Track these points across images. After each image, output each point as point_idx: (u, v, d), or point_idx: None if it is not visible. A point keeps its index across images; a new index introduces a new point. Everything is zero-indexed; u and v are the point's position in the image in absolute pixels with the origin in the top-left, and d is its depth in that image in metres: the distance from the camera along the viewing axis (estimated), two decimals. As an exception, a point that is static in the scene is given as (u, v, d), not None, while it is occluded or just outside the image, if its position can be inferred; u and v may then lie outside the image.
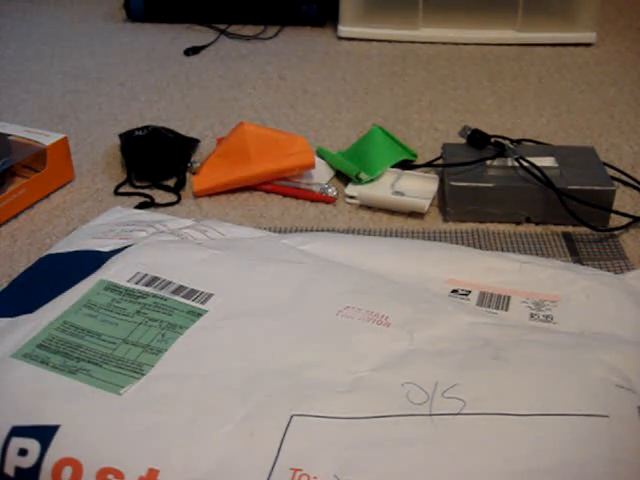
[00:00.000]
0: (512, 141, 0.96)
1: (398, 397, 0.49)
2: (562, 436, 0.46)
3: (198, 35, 1.43)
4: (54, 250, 0.71)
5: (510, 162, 0.85)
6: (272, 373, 0.51)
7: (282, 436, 0.46)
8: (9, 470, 0.46)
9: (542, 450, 0.45)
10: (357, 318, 0.56)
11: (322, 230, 0.82)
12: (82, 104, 1.16)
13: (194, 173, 0.93)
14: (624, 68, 1.27)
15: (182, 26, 1.48)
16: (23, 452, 0.47)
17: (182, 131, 1.04)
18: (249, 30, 1.45)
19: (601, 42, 1.37)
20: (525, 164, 0.82)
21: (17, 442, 0.47)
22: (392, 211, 0.85)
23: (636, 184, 0.90)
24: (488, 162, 0.85)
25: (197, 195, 0.90)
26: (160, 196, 0.90)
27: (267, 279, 0.61)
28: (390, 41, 1.38)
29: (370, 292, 0.60)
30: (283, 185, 0.90)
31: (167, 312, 0.57)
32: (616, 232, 0.81)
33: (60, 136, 0.91)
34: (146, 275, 0.61)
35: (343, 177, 0.92)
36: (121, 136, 0.99)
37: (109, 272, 0.62)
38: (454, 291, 0.63)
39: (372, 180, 0.89)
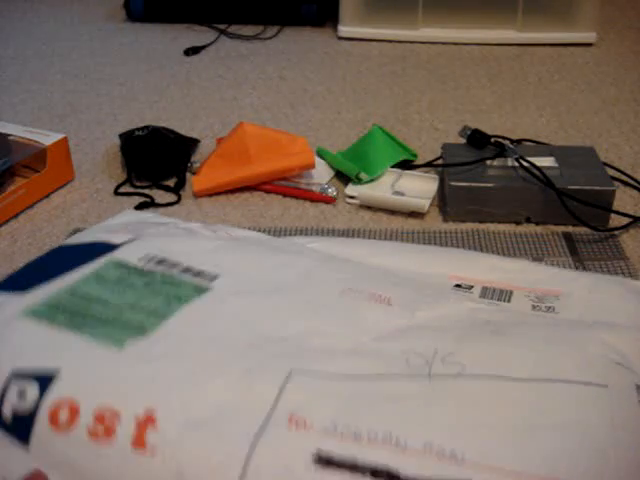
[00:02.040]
0: (512, 141, 0.96)
1: (398, 361, 0.50)
2: (562, 400, 0.47)
3: (198, 35, 1.43)
4: (67, 242, 0.72)
5: (510, 162, 0.85)
6: (274, 339, 0.52)
7: (281, 386, 0.47)
8: (7, 413, 0.47)
9: (542, 411, 0.46)
10: (360, 299, 0.58)
11: (322, 230, 0.82)
12: (82, 104, 1.16)
13: (194, 173, 0.93)
14: (624, 68, 1.27)
15: (182, 26, 1.48)
16: (22, 394, 0.47)
17: (182, 131, 1.05)
18: (249, 30, 1.45)
19: (601, 42, 1.37)
20: (525, 164, 0.82)
21: (17, 384, 0.48)
22: (392, 211, 0.85)
23: (636, 184, 0.90)
24: (488, 162, 0.85)
25: (197, 195, 0.90)
26: (160, 196, 0.90)
27: (273, 265, 0.62)
28: (390, 41, 1.38)
29: (374, 279, 0.61)
30: (283, 185, 0.90)
31: (174, 286, 0.58)
32: (616, 232, 0.81)
33: (60, 136, 0.91)
34: (156, 256, 0.62)
35: (343, 177, 0.92)
36: (121, 136, 0.99)
37: (119, 253, 0.63)
38: (457, 285, 0.64)
39: (372, 180, 0.89)
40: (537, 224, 0.83)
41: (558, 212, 0.81)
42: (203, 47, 1.38)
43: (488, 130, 1.03)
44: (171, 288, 0.58)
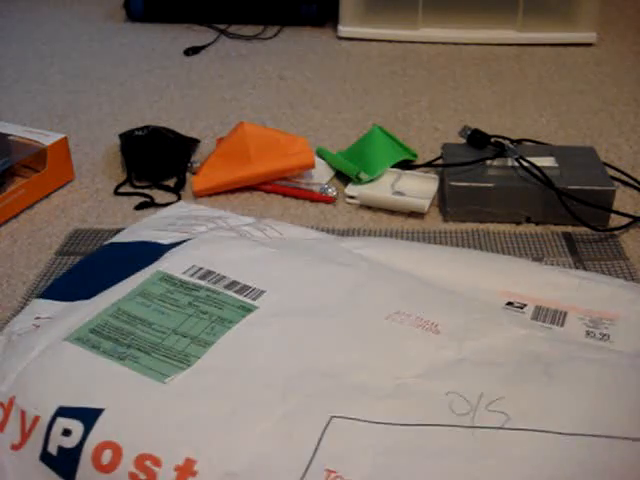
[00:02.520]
0: (512, 141, 0.96)
1: (441, 406, 0.48)
2: (609, 459, 0.44)
3: (198, 35, 1.43)
4: (116, 239, 0.73)
5: (510, 162, 0.85)
6: (316, 373, 0.51)
7: (320, 436, 0.46)
8: (52, 449, 0.48)
9: (587, 472, 0.43)
10: (406, 324, 0.56)
11: (322, 230, 0.82)
12: (82, 104, 1.16)
13: (194, 173, 0.93)
14: (624, 68, 1.27)
15: (182, 26, 1.48)
16: (67, 432, 0.47)
17: (182, 131, 1.04)
18: (249, 30, 1.45)
19: (601, 42, 1.37)
20: (525, 164, 0.82)
21: (62, 422, 0.48)
22: (392, 211, 0.85)
23: (636, 184, 0.90)
24: (488, 162, 0.85)
25: (197, 195, 0.90)
26: (160, 196, 0.90)
27: (320, 279, 0.61)
28: (390, 41, 1.38)
29: (421, 299, 0.59)
30: (283, 185, 0.90)
31: (218, 306, 0.58)
32: (616, 232, 0.81)
33: (60, 136, 0.91)
34: (201, 269, 0.62)
35: (343, 177, 0.92)
36: (121, 136, 0.99)
37: (165, 264, 0.63)
38: (509, 303, 0.61)
39: (372, 180, 0.89)
40: (537, 224, 0.83)
41: (558, 212, 0.81)
42: (203, 47, 1.38)
43: (488, 130, 1.03)
44: (215, 309, 0.57)
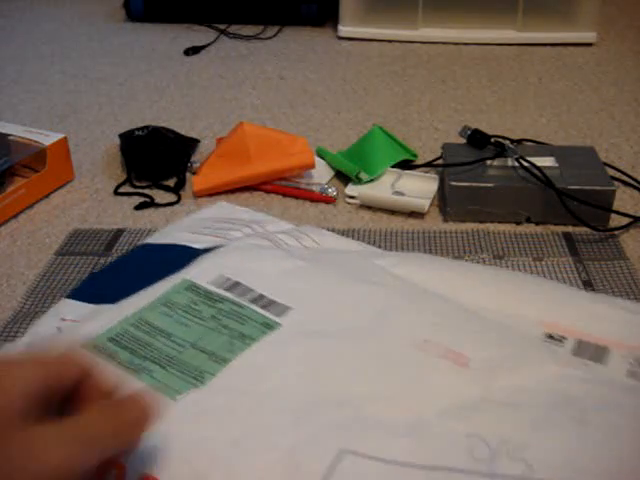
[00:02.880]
0: (512, 141, 0.96)
1: (459, 448, 0.45)
2: None
3: (198, 35, 1.43)
4: (151, 240, 0.73)
5: (510, 162, 0.85)
6: (332, 401, 0.49)
7: (328, 472, 0.44)
8: None
9: None
10: (434, 354, 0.53)
11: (323, 229, 0.82)
12: (82, 104, 1.16)
13: (194, 173, 0.93)
14: (624, 68, 1.27)
15: (182, 26, 1.48)
16: None
17: (182, 131, 1.04)
18: (249, 30, 1.45)
19: (601, 42, 1.37)
20: (525, 164, 0.82)
21: None
22: (392, 211, 0.85)
23: (636, 184, 0.90)
24: (488, 162, 0.85)
25: (197, 195, 0.90)
26: (160, 196, 0.90)
27: (349, 300, 0.59)
28: (390, 41, 1.38)
29: (453, 327, 0.56)
30: (283, 185, 0.90)
31: (241, 321, 0.56)
32: (616, 232, 0.81)
33: (60, 136, 0.91)
34: (229, 279, 0.61)
35: (343, 177, 0.92)
36: (121, 136, 0.99)
37: (193, 271, 0.62)
38: (548, 335, 0.57)
39: (372, 180, 0.89)
40: (537, 224, 0.83)
41: (558, 212, 0.81)
42: (203, 47, 1.38)
43: (488, 130, 1.03)
44: (237, 324, 0.56)
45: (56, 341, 0.55)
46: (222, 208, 0.80)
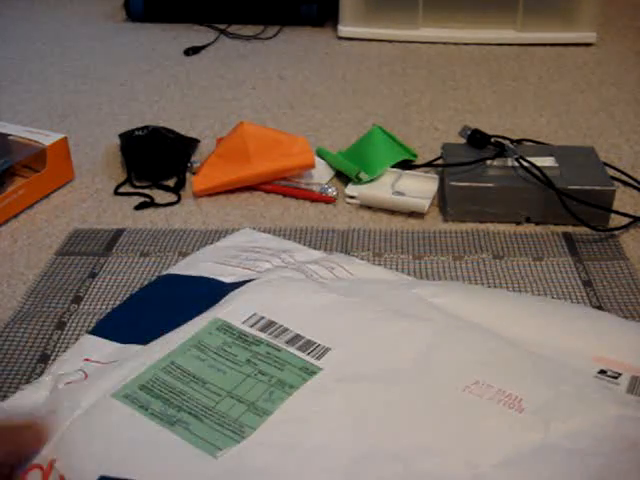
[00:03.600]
0: (512, 141, 0.96)
1: None
2: None
3: (198, 35, 1.43)
4: (175, 270, 0.70)
5: (510, 162, 0.85)
6: (381, 455, 0.46)
7: None
8: None
9: None
10: (486, 397, 0.49)
11: (323, 230, 0.82)
12: (82, 104, 1.16)
13: (194, 173, 0.93)
14: (624, 68, 1.27)
15: (182, 26, 1.48)
16: None
17: (182, 131, 1.04)
18: (249, 30, 1.45)
19: (601, 42, 1.37)
20: (525, 164, 0.82)
21: None
22: (392, 211, 0.85)
23: (636, 184, 0.90)
24: (488, 162, 0.85)
25: (197, 195, 0.90)
26: (160, 196, 0.90)
27: (391, 337, 0.56)
28: (390, 41, 1.38)
29: (504, 366, 0.53)
30: (283, 185, 0.90)
31: (279, 366, 0.53)
32: (616, 232, 0.81)
33: (60, 136, 0.91)
34: (262, 318, 0.58)
35: (343, 177, 0.92)
36: (121, 136, 0.99)
37: (225, 310, 0.59)
38: (602, 371, 0.54)
39: (372, 180, 0.89)
40: (537, 224, 0.83)
41: (558, 212, 0.81)
42: (203, 47, 1.38)
43: (488, 130, 1.03)
44: (276, 370, 0.53)
45: (82, 390, 0.53)
46: (246, 235, 0.78)
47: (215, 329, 0.57)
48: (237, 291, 0.62)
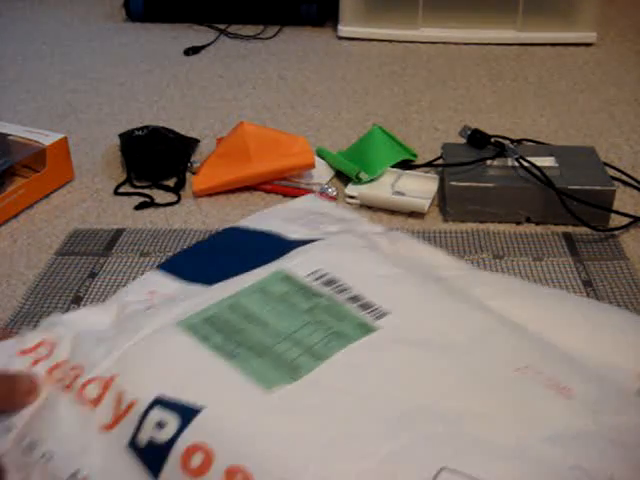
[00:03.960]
0: (512, 141, 0.96)
1: (563, 478, 0.42)
2: None
3: (198, 35, 1.43)
4: (243, 223, 0.71)
5: (510, 162, 0.85)
6: (431, 413, 0.46)
7: None
8: (142, 439, 0.45)
9: None
10: (537, 381, 0.49)
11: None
12: (82, 104, 1.16)
13: (194, 173, 0.93)
14: (624, 68, 1.27)
15: (182, 26, 1.48)
16: (161, 425, 0.45)
17: (182, 131, 1.04)
18: (249, 30, 1.45)
19: (601, 42, 1.37)
20: (525, 164, 0.82)
21: (158, 413, 0.45)
22: (392, 211, 0.85)
23: (636, 184, 0.90)
24: (488, 162, 0.85)
25: (197, 195, 0.90)
26: (160, 196, 0.90)
27: (448, 315, 0.56)
28: (390, 41, 1.38)
29: (553, 359, 0.53)
30: (283, 185, 0.90)
31: (338, 318, 0.53)
32: (616, 232, 0.81)
33: (60, 136, 0.91)
34: (326, 274, 0.58)
35: (343, 177, 0.92)
36: (121, 136, 0.99)
37: (290, 263, 0.59)
38: None
39: (372, 180, 0.89)
40: (537, 224, 0.83)
41: (558, 212, 0.81)
42: (203, 47, 1.38)
43: (488, 130, 1.03)
44: (334, 321, 0.53)
45: (146, 317, 0.54)
46: (314, 201, 0.78)
47: (279, 279, 0.58)
48: (303, 247, 0.63)
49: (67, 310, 0.70)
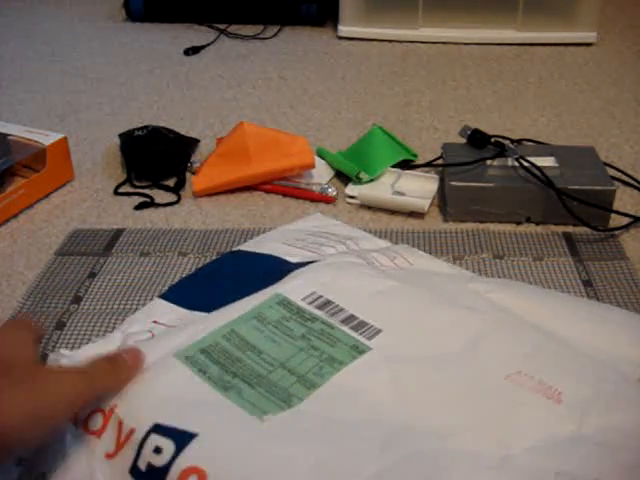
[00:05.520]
0: (512, 141, 0.96)
1: None
2: None
3: (198, 35, 1.43)
4: (244, 247, 0.73)
5: (510, 162, 0.85)
6: (419, 431, 0.48)
7: None
8: (142, 464, 0.47)
9: None
10: (527, 387, 0.51)
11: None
12: (82, 104, 1.16)
13: (194, 173, 0.93)
14: (624, 68, 1.27)
15: (182, 26, 1.48)
16: (158, 450, 0.47)
17: (182, 131, 1.04)
18: (249, 30, 1.45)
19: (601, 42, 1.37)
20: (525, 164, 0.82)
21: (155, 439, 0.47)
22: (392, 211, 0.85)
23: (636, 184, 0.90)
24: (488, 162, 0.85)
25: (197, 195, 0.90)
26: (160, 196, 0.90)
27: (442, 325, 0.58)
28: (390, 41, 1.38)
29: (548, 360, 0.54)
30: (283, 185, 0.90)
31: (331, 343, 0.56)
32: (616, 232, 0.81)
33: (60, 136, 0.91)
34: (321, 297, 0.60)
35: (343, 177, 0.92)
36: (121, 136, 0.99)
37: (286, 286, 0.62)
38: None
39: (372, 180, 0.89)
40: (537, 224, 0.83)
41: (558, 212, 0.81)
42: (203, 47, 1.38)
43: (488, 130, 1.03)
44: (327, 346, 0.55)
45: (147, 347, 0.56)
46: (317, 220, 0.80)
47: (275, 303, 0.60)
48: (300, 270, 0.65)
49: (67, 311, 0.70)
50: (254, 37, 1.42)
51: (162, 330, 0.60)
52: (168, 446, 0.47)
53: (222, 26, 1.46)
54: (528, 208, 0.82)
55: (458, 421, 0.48)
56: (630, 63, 1.29)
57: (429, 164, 0.94)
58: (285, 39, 1.42)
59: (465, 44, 1.37)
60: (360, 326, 0.57)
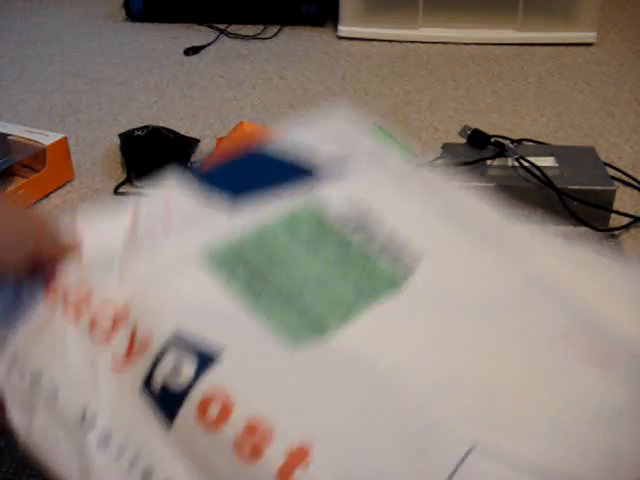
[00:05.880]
0: (512, 141, 0.96)
1: (597, 457, 0.41)
2: None
3: (198, 35, 1.43)
4: (267, 147, 0.64)
5: (510, 162, 0.85)
6: (461, 385, 0.43)
7: (457, 464, 0.39)
8: (156, 383, 0.41)
9: None
10: (577, 351, 0.47)
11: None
12: (82, 104, 1.16)
13: (194, 173, 0.93)
14: (624, 68, 1.27)
15: (182, 26, 1.48)
16: (176, 369, 0.40)
17: (182, 131, 1.04)
18: (249, 30, 1.45)
19: (601, 42, 1.37)
20: (525, 164, 0.82)
21: (174, 355, 0.41)
22: (392, 211, 0.85)
23: (636, 184, 0.90)
24: (488, 162, 0.85)
25: (197, 195, 0.90)
26: (160, 196, 0.90)
27: (487, 266, 0.52)
28: (390, 41, 1.38)
29: (596, 329, 0.50)
30: (283, 185, 0.90)
31: (367, 271, 0.49)
32: (616, 232, 0.81)
33: (60, 136, 0.91)
34: (359, 216, 0.53)
35: (343, 177, 0.92)
36: (121, 136, 0.99)
37: (320, 194, 0.54)
38: None
39: (372, 180, 0.89)
40: (537, 224, 0.82)
41: (558, 212, 0.81)
42: (203, 47, 1.38)
43: (488, 130, 1.03)
44: (363, 272, 0.49)
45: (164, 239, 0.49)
46: (347, 122, 0.71)
47: (309, 214, 0.53)
48: (334, 176, 0.58)
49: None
50: (254, 37, 1.42)
51: (179, 219, 0.52)
52: (189, 362, 0.41)
53: (222, 26, 1.46)
54: (528, 208, 0.82)
55: (503, 379, 0.44)
56: (630, 63, 1.29)
57: (429, 164, 0.94)
58: (285, 39, 1.42)
59: (465, 44, 1.37)
60: (399, 256, 0.51)
